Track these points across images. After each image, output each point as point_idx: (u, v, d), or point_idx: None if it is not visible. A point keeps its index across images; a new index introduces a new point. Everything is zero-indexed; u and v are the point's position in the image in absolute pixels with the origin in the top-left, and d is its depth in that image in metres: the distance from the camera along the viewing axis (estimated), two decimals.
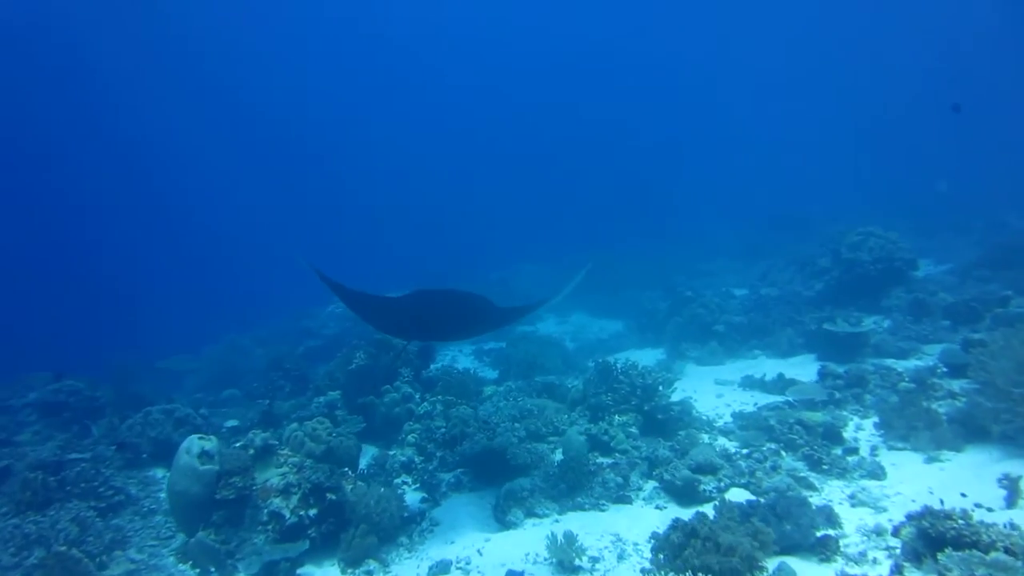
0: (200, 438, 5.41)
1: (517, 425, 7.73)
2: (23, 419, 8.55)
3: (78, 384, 8.93)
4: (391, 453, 7.93)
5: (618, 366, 8.28)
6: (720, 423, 7.85)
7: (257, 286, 26.10)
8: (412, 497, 6.88)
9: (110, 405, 8.99)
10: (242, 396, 10.70)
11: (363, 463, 7.77)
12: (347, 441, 6.17)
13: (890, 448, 6.69)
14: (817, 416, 7.17)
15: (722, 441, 7.31)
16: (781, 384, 8.79)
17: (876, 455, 6.59)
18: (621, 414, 7.78)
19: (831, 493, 5.99)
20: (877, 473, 6.15)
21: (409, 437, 7.84)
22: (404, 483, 7.25)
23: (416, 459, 7.54)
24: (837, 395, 7.85)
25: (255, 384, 10.39)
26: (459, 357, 16.24)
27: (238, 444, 5.63)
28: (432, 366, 10.86)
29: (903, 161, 32.04)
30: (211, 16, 40.29)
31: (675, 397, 8.13)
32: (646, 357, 12.28)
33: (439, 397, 8.52)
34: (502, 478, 6.80)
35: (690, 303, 12.12)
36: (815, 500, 5.73)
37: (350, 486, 5.94)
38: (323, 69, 51.23)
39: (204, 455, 5.30)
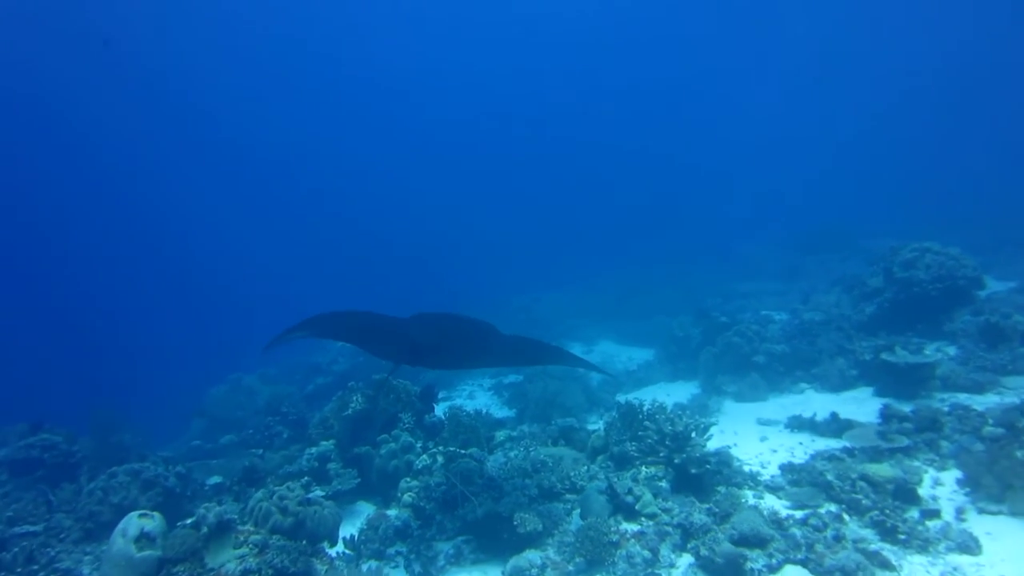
0: (140, 515, 4.54)
1: (528, 482, 6.69)
2: None
3: (54, 438, 8.19)
4: (389, 514, 6.98)
5: (644, 408, 7.21)
6: (766, 475, 6.70)
7: (265, 321, 25.58)
8: (404, 574, 5.89)
9: (89, 460, 8.22)
10: (238, 444, 9.88)
11: (356, 525, 6.86)
12: (323, 511, 5.24)
13: (980, 511, 5.49)
14: (884, 469, 5.99)
15: (770, 500, 6.16)
16: (836, 426, 7.61)
17: (963, 520, 5.40)
18: (648, 466, 6.71)
19: (914, 573, 4.82)
20: (969, 546, 4.97)
21: (406, 496, 6.86)
22: (399, 553, 6.26)
23: (413, 523, 6.55)
24: (906, 441, 6.65)
25: (250, 431, 9.56)
26: (477, 392, 15.31)
27: (189, 521, 4.74)
28: (438, 408, 9.92)
29: (940, 169, 30.39)
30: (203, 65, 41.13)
31: (712, 443, 7.01)
32: (679, 392, 11.19)
33: (440, 448, 7.53)
34: (509, 549, 5.78)
35: (725, 330, 10.97)
36: None
37: (324, 567, 4.99)
38: (327, 99, 51.46)
39: (143, 538, 4.42)
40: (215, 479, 7.96)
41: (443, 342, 5.57)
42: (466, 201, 45.44)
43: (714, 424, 6.98)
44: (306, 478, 7.20)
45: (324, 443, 8.00)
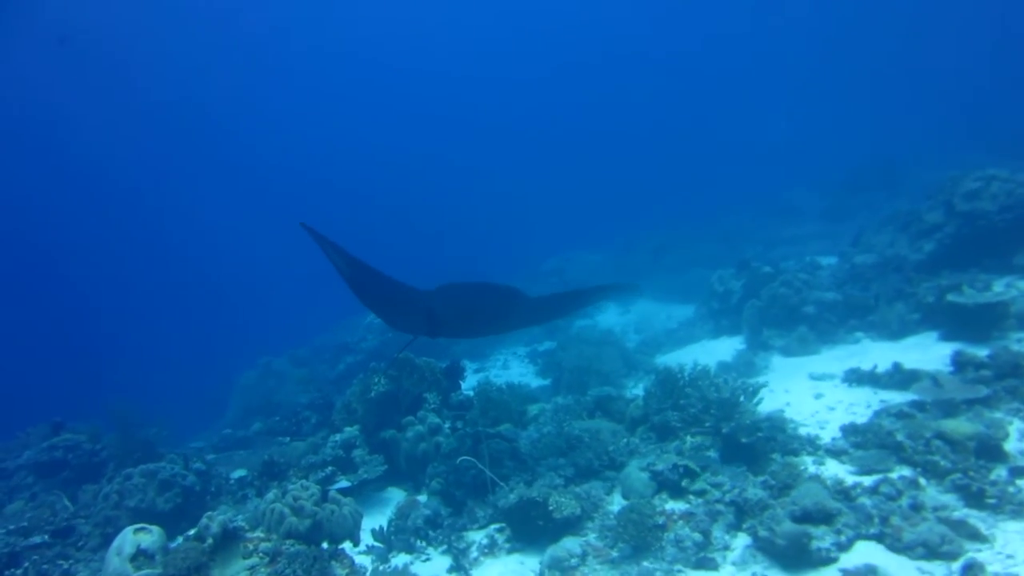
0: (137, 531, 4.19)
1: (563, 461, 6.21)
2: (18, 483, 7.74)
3: (77, 437, 8.05)
4: (420, 499, 6.60)
5: (685, 374, 6.62)
6: (825, 438, 6.05)
7: (294, 303, 25.51)
8: (435, 567, 5.51)
9: (115, 458, 8.04)
10: (266, 431, 9.65)
11: (386, 514, 6.53)
12: (341, 510, 4.84)
13: None
14: (963, 425, 5.30)
15: (832, 467, 5.53)
16: (900, 377, 6.88)
17: None
18: (693, 435, 6.15)
19: (1010, 543, 4.18)
20: None
21: (433, 483, 6.45)
22: (430, 543, 5.88)
23: (443, 511, 6.15)
24: (985, 391, 5.91)
25: (276, 418, 9.30)
26: (511, 361, 14.89)
27: (192, 532, 4.39)
28: (469, 381, 9.49)
29: (997, 88, 28.06)
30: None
31: (763, 406, 6.41)
32: (722, 350, 10.52)
33: (468, 430, 7.08)
34: (546, 536, 5.32)
35: (770, 281, 10.20)
36: (986, 556, 3.99)
37: (344, 572, 4.60)
38: (336, 69, 50.46)
39: (140, 556, 4.08)
40: (239, 472, 7.70)
41: (465, 311, 5.43)
42: (489, 165, 44.46)
43: (764, 386, 6.34)
44: (330, 468, 6.89)
45: (348, 429, 7.64)
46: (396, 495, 7.27)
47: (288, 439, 8.76)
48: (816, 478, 5.07)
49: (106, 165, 43.11)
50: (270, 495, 4.78)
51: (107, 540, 5.93)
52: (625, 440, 6.58)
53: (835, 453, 5.70)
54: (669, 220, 22.99)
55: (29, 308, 33.75)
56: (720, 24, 47.54)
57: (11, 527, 6.00)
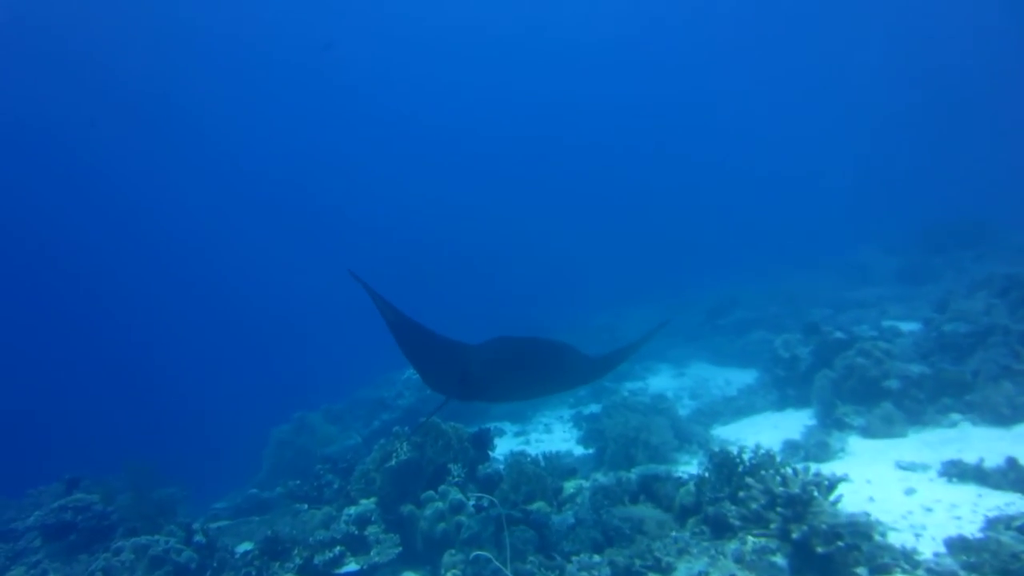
0: None
1: (598, 559, 5.27)
2: (25, 546, 7.32)
3: (89, 497, 7.60)
4: None
5: (745, 459, 5.63)
6: (925, 552, 4.91)
7: (333, 356, 25.22)
8: None
9: (125, 521, 7.55)
10: (286, 495, 9.01)
11: None
12: None
13: None
14: None
15: None
16: (1016, 476, 5.69)
17: None
18: (755, 535, 5.12)
19: None
20: None
21: (449, 575, 5.60)
22: None
23: None
24: None
25: (296, 481, 8.67)
26: (554, 425, 13.95)
27: None
28: (503, 446, 8.68)
29: None
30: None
31: (843, 504, 5.33)
32: (788, 424, 9.40)
33: (492, 512, 6.23)
34: None
35: (843, 348, 9.06)
36: None
37: None
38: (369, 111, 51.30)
39: None
40: (246, 545, 7.04)
41: (509, 370, 4.89)
42: (537, 216, 44.03)
43: (843, 480, 5.27)
44: (339, 548, 6.15)
45: (364, 502, 6.93)
46: None
47: (306, 506, 8.08)
48: None
49: (147, 199, 44.50)
50: None
51: None
52: (673, 535, 5.58)
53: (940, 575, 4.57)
54: (727, 277, 21.85)
55: (70, 348, 34.61)
56: (781, 63, 46.58)
57: None
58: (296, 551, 6.10)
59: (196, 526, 6.54)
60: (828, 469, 7.04)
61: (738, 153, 45.35)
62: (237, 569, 6.51)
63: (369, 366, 17.30)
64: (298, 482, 8.71)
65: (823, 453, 7.61)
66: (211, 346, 32.89)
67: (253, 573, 6.17)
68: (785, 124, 45.91)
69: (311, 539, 6.26)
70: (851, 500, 5.89)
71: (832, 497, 5.06)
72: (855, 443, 7.82)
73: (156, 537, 5.86)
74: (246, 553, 6.66)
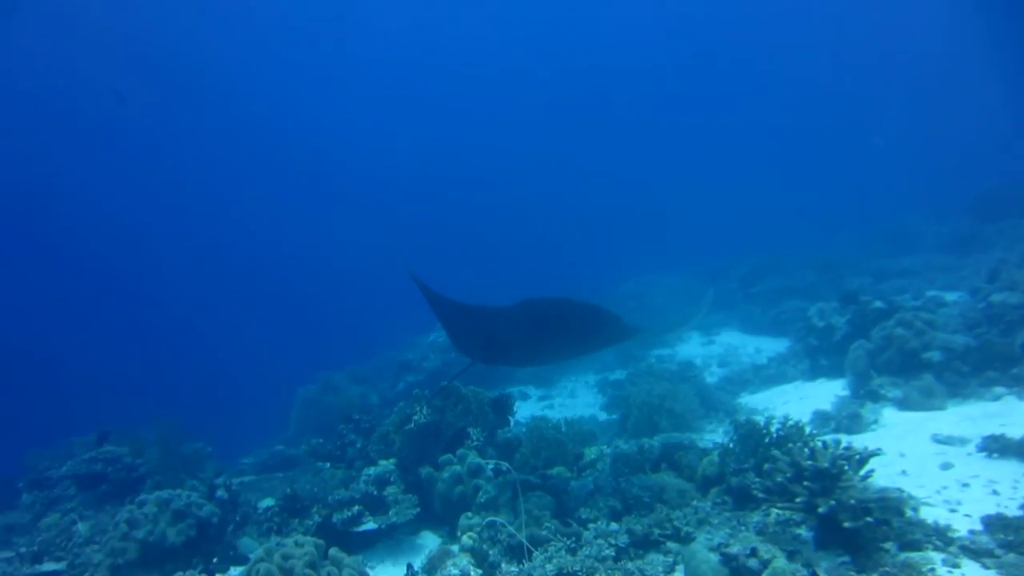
0: None
1: (616, 526, 5.17)
2: (61, 493, 7.56)
3: (119, 450, 7.80)
4: (453, 551, 5.77)
5: (772, 431, 5.43)
6: (960, 529, 4.68)
7: (362, 315, 25.42)
8: None
9: (154, 474, 7.74)
10: (310, 454, 9.13)
11: (418, 562, 5.72)
12: (342, 572, 4.08)
13: None
14: None
15: (971, 572, 4.21)
16: None
17: None
18: (780, 507, 4.95)
19: None
20: None
21: (465, 538, 5.56)
22: None
23: (472, 574, 5.26)
24: None
25: (319, 440, 8.75)
26: (579, 390, 13.89)
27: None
28: (523, 413, 8.62)
29: None
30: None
31: (875, 475, 5.10)
32: (819, 394, 9.12)
33: (510, 478, 6.17)
34: None
35: (882, 318, 8.69)
36: None
37: None
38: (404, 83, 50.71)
39: None
40: (268, 501, 7.15)
41: (537, 333, 4.92)
42: (559, 184, 43.21)
43: (876, 455, 5.02)
44: (357, 507, 6.18)
45: (383, 463, 6.95)
46: (430, 541, 6.49)
47: (328, 465, 8.17)
48: None
49: (181, 159, 45.08)
50: (259, 551, 4.09)
51: (115, 573, 5.46)
52: (694, 504, 5.46)
53: (975, 553, 4.34)
54: (761, 244, 21.20)
55: (111, 309, 35.59)
56: (826, 17, 44.23)
57: (22, 549, 5.67)
58: (315, 509, 6.16)
59: (219, 481, 6.64)
60: (860, 441, 6.81)
61: (777, 111, 43.61)
62: (260, 523, 6.64)
63: (395, 327, 17.40)
64: (321, 440, 8.79)
65: (855, 425, 7.35)
66: (241, 307, 33.58)
67: (273, 529, 6.27)
68: (832, 80, 43.77)
69: (330, 498, 6.30)
70: (883, 474, 5.67)
71: (863, 472, 4.84)
72: (889, 415, 7.52)
73: (178, 491, 5.95)
74: (267, 509, 6.76)
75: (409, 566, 5.32)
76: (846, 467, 4.78)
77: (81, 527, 6.17)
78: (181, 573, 4.91)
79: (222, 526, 6.16)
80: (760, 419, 5.63)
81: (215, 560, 5.58)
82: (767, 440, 5.36)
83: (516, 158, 47.46)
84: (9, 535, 6.85)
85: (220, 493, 6.41)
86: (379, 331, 18.86)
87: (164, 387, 20.32)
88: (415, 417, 7.06)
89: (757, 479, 5.14)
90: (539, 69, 51.11)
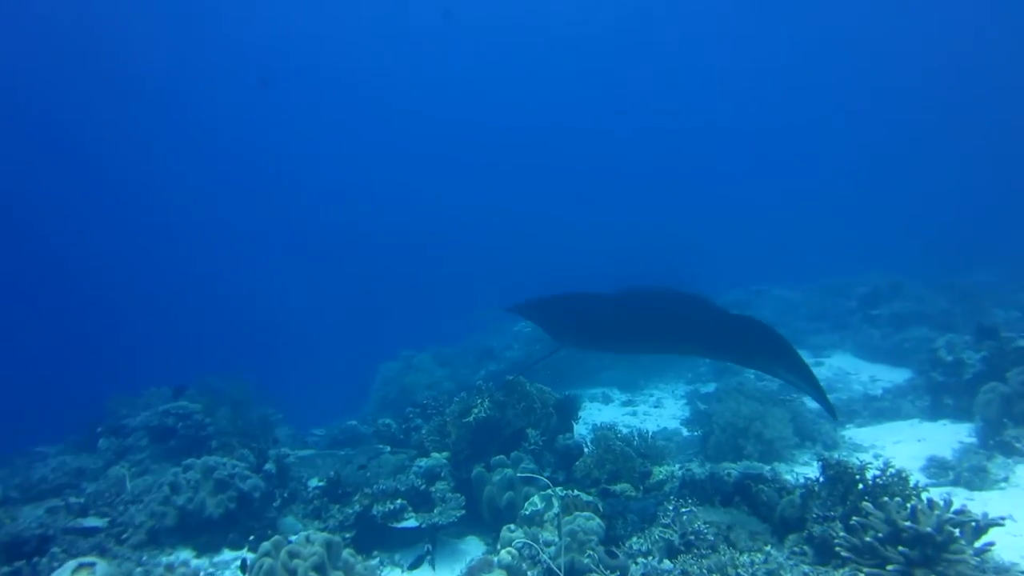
0: (76, 570, 3.50)
1: (668, 565, 4.59)
2: (133, 443, 7.94)
3: (192, 406, 8.10)
4: (494, 562, 5.41)
5: (867, 475, 4.62)
6: None
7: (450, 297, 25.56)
8: None
9: (220, 434, 7.94)
10: (372, 434, 9.12)
11: (457, 570, 5.45)
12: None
13: None
14: None
15: None
16: None
17: None
18: (866, 573, 4.18)
19: None
20: None
21: (504, 552, 5.17)
22: None
23: None
24: None
25: (386, 421, 8.70)
26: (666, 401, 13.10)
27: None
28: (601, 416, 8.12)
29: None
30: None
31: (994, 548, 4.20)
32: (939, 437, 7.98)
33: (561, 492, 5.71)
34: None
35: None
36: None
37: None
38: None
39: None
40: (314, 482, 7.09)
41: (637, 316, 5.06)
42: (674, 185, 41.29)
43: (998, 524, 4.11)
44: (400, 501, 5.96)
45: (436, 455, 6.69)
46: (475, 547, 6.16)
47: (388, 449, 8.08)
48: None
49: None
50: (266, 544, 3.89)
51: (153, 538, 5.54)
52: (766, 552, 4.74)
53: None
54: (888, 263, 19.16)
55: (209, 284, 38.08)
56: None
57: (71, 499, 5.91)
58: (357, 497, 5.98)
59: (272, 453, 6.62)
60: (982, 500, 5.78)
61: (920, 117, 39.39)
62: (306, 503, 6.55)
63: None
64: (388, 422, 8.73)
65: (979, 480, 6.24)
66: (329, 285, 35.09)
67: (311, 512, 6.17)
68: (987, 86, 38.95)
69: (375, 487, 6.10)
70: (1008, 546, 4.68)
71: (980, 543, 3.99)
72: (1023, 473, 6.34)
73: (224, 460, 5.95)
74: (314, 488, 6.70)
75: None
76: (957, 534, 3.96)
77: (129, 484, 6.38)
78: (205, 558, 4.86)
79: (265, 501, 6.11)
80: (854, 462, 4.81)
81: (251, 538, 5.53)
82: (860, 488, 4.57)
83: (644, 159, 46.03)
84: (79, 479, 7.24)
85: (268, 466, 6.39)
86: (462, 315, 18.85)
87: (247, 352, 21.45)
88: (475, 410, 6.77)
89: (843, 533, 4.38)
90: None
